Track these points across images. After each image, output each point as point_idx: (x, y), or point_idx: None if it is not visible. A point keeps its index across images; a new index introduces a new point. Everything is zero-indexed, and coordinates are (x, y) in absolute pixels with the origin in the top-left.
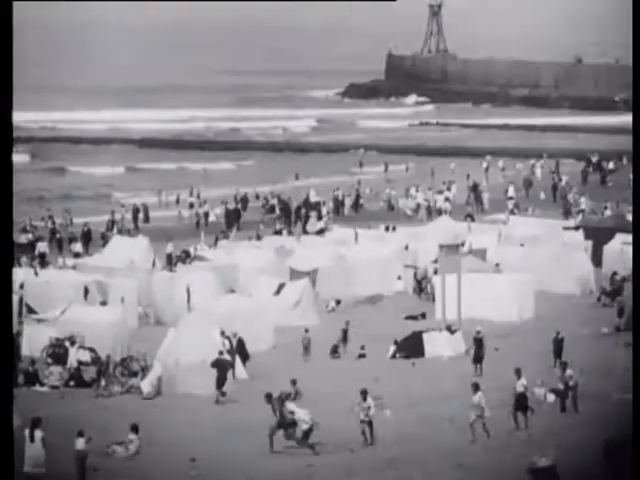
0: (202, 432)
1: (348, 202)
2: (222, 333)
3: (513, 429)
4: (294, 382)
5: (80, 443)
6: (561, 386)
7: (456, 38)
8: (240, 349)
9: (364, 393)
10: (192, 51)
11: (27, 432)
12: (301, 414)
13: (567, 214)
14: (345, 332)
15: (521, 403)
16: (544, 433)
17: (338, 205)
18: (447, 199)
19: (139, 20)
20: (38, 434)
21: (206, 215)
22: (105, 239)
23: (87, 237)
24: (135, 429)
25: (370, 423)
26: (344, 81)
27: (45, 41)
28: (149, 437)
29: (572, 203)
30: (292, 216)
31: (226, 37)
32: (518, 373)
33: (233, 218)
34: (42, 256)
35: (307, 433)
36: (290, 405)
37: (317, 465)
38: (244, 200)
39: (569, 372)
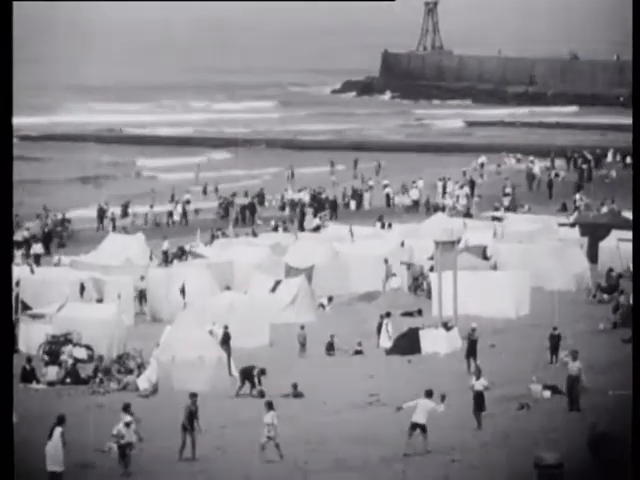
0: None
1: (367, 197)
2: (226, 327)
3: (510, 429)
4: (295, 386)
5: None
6: (567, 374)
7: (452, 35)
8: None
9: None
10: (190, 50)
11: (50, 430)
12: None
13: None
14: (380, 326)
15: (479, 402)
16: (541, 430)
17: (359, 201)
18: (467, 196)
19: (138, 19)
20: (57, 431)
21: (170, 214)
22: (62, 238)
23: (48, 237)
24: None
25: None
26: (339, 78)
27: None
28: (145, 434)
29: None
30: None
31: (224, 37)
32: (478, 373)
33: (246, 213)
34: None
35: None
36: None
37: (313, 461)
38: (260, 196)
39: (577, 364)
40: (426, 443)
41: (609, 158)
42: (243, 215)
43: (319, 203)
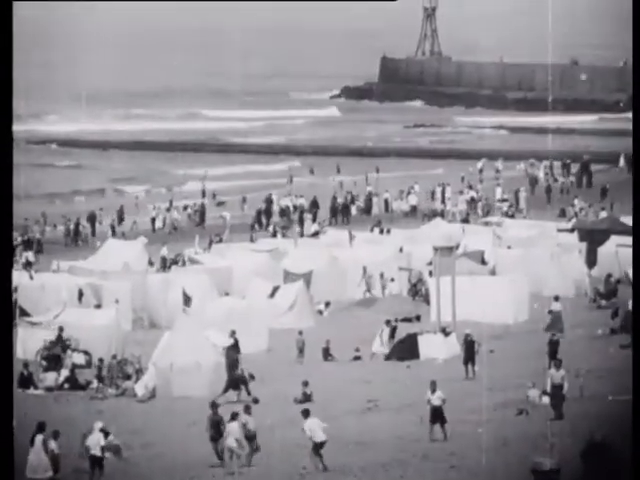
0: (197, 434)
1: (375, 201)
2: (233, 333)
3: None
4: (306, 383)
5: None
6: (549, 387)
7: (450, 41)
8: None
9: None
10: (191, 52)
11: (30, 437)
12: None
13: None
14: (394, 329)
15: (437, 416)
16: (539, 435)
17: (369, 206)
18: (473, 199)
19: (137, 22)
20: (39, 439)
21: (153, 221)
22: (40, 245)
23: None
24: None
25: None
26: (338, 84)
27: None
28: (143, 439)
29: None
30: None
31: (221, 38)
32: (433, 386)
33: (261, 218)
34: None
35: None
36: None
37: (311, 466)
38: (268, 201)
39: (562, 372)
40: (323, 460)
41: (621, 163)
42: (259, 219)
43: (333, 208)
